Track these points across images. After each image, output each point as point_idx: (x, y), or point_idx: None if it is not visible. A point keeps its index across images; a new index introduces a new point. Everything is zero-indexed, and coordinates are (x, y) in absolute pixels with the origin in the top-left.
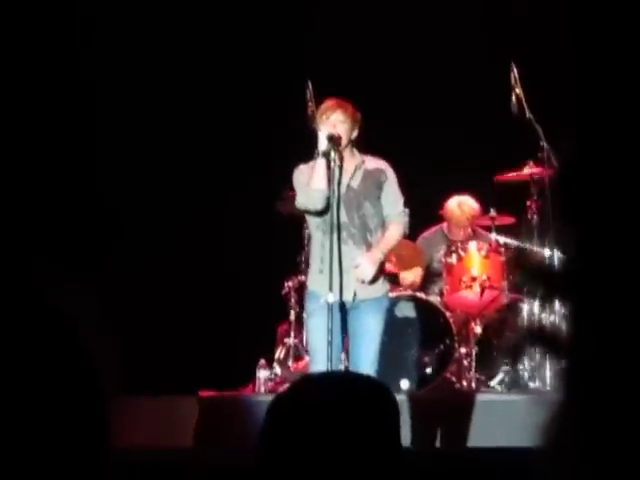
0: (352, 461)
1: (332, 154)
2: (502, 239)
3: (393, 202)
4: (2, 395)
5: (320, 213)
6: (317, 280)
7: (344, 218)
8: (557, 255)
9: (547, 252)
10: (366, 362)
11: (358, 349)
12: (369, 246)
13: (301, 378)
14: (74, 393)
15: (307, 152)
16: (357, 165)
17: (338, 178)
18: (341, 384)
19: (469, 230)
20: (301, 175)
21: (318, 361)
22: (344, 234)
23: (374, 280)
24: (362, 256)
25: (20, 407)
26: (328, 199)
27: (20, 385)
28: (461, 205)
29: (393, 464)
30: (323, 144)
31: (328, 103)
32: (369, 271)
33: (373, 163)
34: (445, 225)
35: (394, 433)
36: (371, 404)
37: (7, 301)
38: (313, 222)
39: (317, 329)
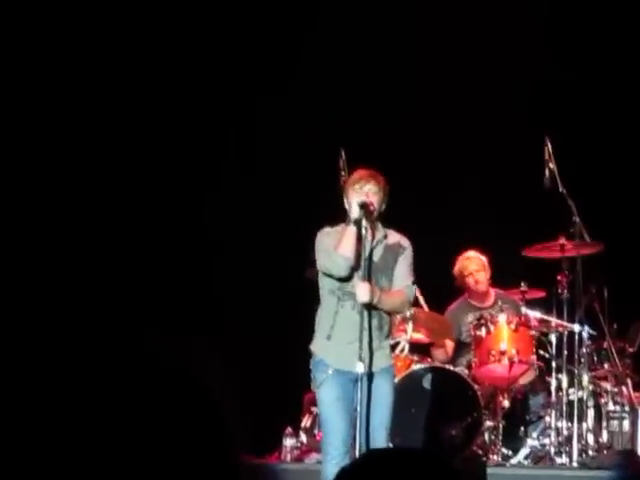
0: None
1: (364, 222)
2: (532, 313)
3: (404, 275)
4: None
5: (340, 279)
6: (324, 347)
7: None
8: (586, 330)
9: (577, 327)
10: (382, 429)
11: (374, 417)
12: (381, 317)
13: (366, 453)
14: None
15: (336, 219)
16: (379, 239)
17: (367, 248)
18: (405, 459)
19: (489, 283)
20: (327, 238)
21: (333, 430)
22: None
23: (384, 350)
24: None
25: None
26: (351, 268)
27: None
28: (468, 258)
29: None
30: (355, 212)
31: (362, 173)
32: (364, 294)
33: (395, 237)
34: (468, 295)
35: None
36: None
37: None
38: (327, 286)
39: (329, 399)
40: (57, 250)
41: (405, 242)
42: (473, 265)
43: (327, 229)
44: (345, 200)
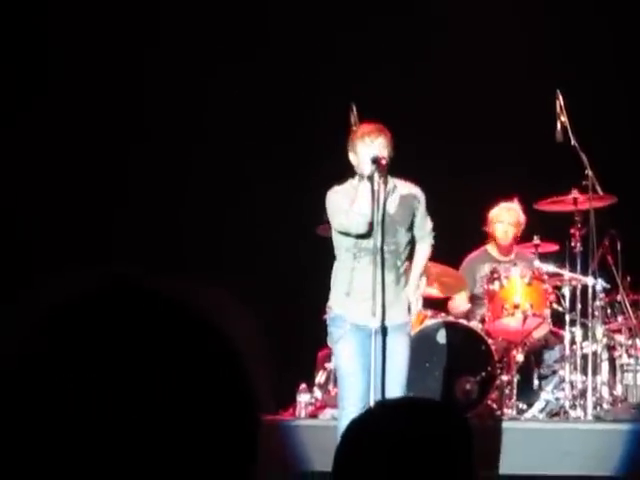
0: None
1: (376, 177)
2: (546, 267)
3: (422, 224)
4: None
5: (359, 236)
6: (342, 302)
7: (378, 242)
8: (600, 283)
9: (590, 280)
10: (397, 385)
11: (389, 373)
12: (398, 272)
13: (377, 404)
14: (235, 415)
15: (346, 175)
16: (390, 190)
17: (382, 203)
18: (417, 409)
19: (514, 240)
20: (339, 196)
21: (351, 386)
22: (377, 259)
23: (401, 305)
24: (411, 295)
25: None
26: (370, 224)
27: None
28: (508, 208)
29: None
30: (367, 167)
31: (369, 127)
32: (419, 304)
33: (406, 188)
34: (490, 245)
35: (469, 460)
36: (447, 429)
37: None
38: (343, 244)
39: (347, 355)
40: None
41: (418, 192)
42: (509, 217)
43: (336, 187)
44: (352, 155)
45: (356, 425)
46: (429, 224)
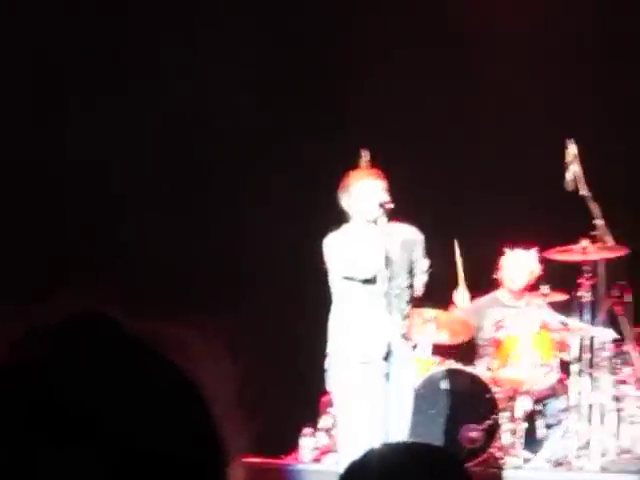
0: None
1: (381, 222)
2: (554, 317)
3: (422, 265)
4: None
5: (365, 281)
6: (350, 348)
7: (386, 288)
8: (608, 334)
9: (598, 330)
10: (402, 431)
11: (395, 416)
12: (403, 314)
13: (379, 446)
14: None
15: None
16: (391, 235)
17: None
18: (416, 454)
19: (527, 287)
20: (340, 243)
21: (354, 432)
22: (385, 302)
23: (407, 345)
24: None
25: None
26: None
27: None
28: (516, 254)
29: None
30: (374, 211)
31: (367, 171)
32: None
33: (405, 230)
34: (500, 291)
35: None
36: (443, 470)
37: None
38: (348, 289)
39: (352, 398)
40: None
41: (417, 234)
42: (515, 264)
43: (334, 234)
44: (346, 201)
45: (356, 465)
46: (426, 263)
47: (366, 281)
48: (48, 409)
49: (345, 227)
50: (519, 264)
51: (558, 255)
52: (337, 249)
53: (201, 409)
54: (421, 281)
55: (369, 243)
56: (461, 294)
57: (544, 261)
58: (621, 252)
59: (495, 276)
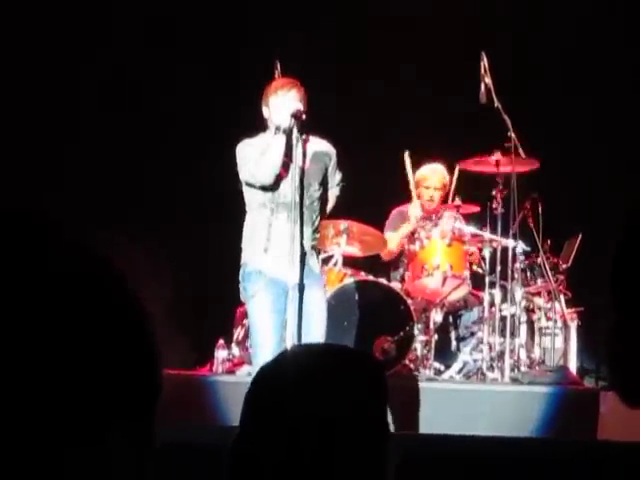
0: (340, 429)
1: (295, 131)
2: (466, 228)
3: (332, 178)
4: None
5: (264, 188)
6: (261, 259)
7: (296, 198)
8: (520, 246)
9: (511, 242)
10: (316, 339)
11: (308, 327)
12: (313, 226)
13: (292, 347)
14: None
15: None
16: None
17: (298, 157)
18: (328, 352)
19: (440, 203)
20: (249, 148)
21: (265, 342)
22: (294, 214)
23: (315, 260)
24: None
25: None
26: (277, 177)
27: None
28: (433, 170)
29: (383, 434)
30: (286, 120)
31: (285, 80)
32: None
33: (319, 145)
34: (413, 204)
35: (383, 401)
36: (360, 370)
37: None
38: (258, 199)
39: (262, 310)
40: None
41: (330, 149)
42: (435, 181)
43: (247, 140)
44: (265, 109)
45: (268, 367)
46: (338, 177)
47: (267, 188)
48: None
49: (259, 136)
50: (431, 182)
51: (473, 166)
52: (243, 153)
53: (145, 318)
54: (333, 194)
55: (271, 150)
56: (415, 207)
57: (459, 173)
58: (532, 165)
59: (411, 186)
